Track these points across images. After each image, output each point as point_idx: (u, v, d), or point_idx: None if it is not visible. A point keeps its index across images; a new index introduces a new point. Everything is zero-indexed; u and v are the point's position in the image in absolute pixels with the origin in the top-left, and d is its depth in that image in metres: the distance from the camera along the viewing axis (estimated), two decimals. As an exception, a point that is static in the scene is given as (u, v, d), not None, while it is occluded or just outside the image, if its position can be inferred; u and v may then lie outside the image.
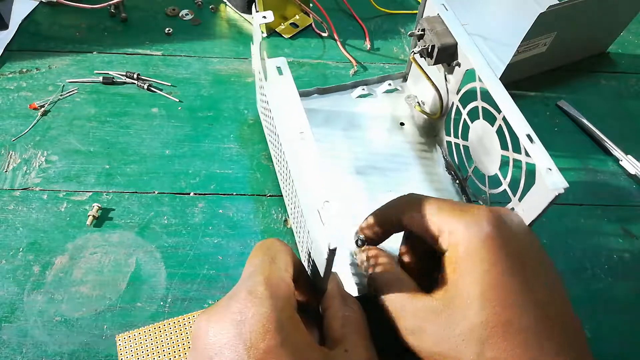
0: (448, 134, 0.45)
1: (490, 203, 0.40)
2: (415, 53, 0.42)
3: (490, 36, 0.53)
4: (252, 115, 0.50)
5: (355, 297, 0.32)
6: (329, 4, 0.61)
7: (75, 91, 0.51)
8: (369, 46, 0.58)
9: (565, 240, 0.44)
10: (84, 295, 0.38)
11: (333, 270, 0.34)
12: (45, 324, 0.37)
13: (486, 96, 0.35)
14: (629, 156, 0.49)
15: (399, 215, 0.33)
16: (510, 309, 0.26)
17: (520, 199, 0.33)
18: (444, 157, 0.47)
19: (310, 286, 0.32)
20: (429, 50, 0.40)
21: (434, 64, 0.40)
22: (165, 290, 0.39)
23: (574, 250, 0.43)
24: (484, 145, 0.38)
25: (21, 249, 0.40)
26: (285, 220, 0.43)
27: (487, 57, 0.52)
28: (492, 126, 0.36)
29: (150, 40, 0.56)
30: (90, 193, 0.44)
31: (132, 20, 0.58)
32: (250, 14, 0.58)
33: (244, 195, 0.45)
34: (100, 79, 0.51)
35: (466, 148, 0.42)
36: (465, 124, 0.40)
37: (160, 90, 0.51)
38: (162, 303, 0.38)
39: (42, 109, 0.49)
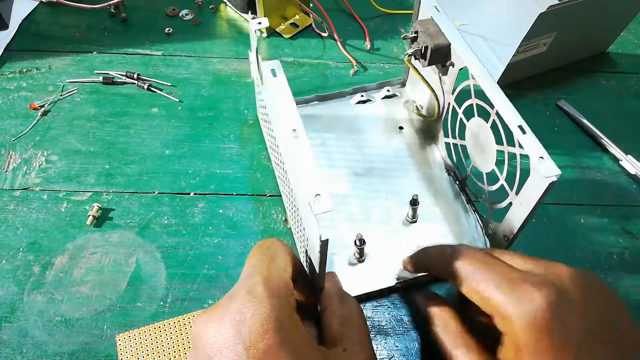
0: (446, 135, 0.45)
1: (490, 201, 0.40)
2: (409, 55, 0.42)
3: (490, 36, 0.53)
4: (252, 115, 0.50)
5: (354, 296, 0.32)
6: (329, 4, 0.61)
7: (75, 91, 0.51)
8: (369, 46, 0.58)
9: (565, 240, 0.44)
10: (84, 295, 0.38)
11: (333, 270, 0.34)
12: (45, 324, 0.37)
13: (481, 94, 0.36)
14: (628, 156, 0.49)
15: (454, 280, 0.30)
16: None
17: (517, 193, 0.34)
18: (442, 159, 0.47)
19: (309, 286, 0.32)
20: (423, 51, 0.40)
21: (428, 65, 0.41)
22: (165, 290, 0.39)
23: (574, 250, 0.43)
24: (480, 142, 0.39)
25: (21, 249, 0.40)
26: (285, 220, 0.43)
27: (487, 57, 0.53)
28: (487, 122, 0.37)
29: (150, 40, 0.56)
30: (90, 193, 0.44)
31: (132, 20, 0.58)
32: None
33: (244, 195, 0.45)
34: (100, 79, 0.52)
35: (464, 147, 0.42)
36: (462, 124, 0.41)
37: (160, 90, 0.51)
38: (162, 303, 0.38)
39: (42, 109, 0.49)
